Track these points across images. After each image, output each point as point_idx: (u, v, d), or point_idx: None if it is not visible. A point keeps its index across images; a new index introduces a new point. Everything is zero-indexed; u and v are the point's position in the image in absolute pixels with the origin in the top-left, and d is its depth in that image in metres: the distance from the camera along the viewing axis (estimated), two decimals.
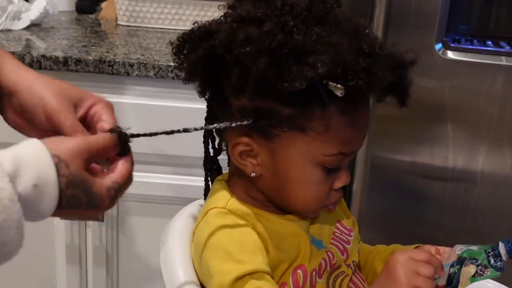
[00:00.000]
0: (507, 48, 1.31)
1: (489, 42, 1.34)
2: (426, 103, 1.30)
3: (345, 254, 0.84)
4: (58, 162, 0.55)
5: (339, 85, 0.66)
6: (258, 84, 0.69)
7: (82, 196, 0.57)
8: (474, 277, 0.74)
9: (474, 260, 0.74)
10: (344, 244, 0.85)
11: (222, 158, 0.86)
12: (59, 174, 0.55)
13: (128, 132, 0.64)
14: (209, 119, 0.81)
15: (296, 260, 0.78)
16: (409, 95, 0.78)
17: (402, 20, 1.25)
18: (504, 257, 0.74)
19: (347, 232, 0.87)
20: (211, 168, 0.87)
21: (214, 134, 0.85)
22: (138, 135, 0.65)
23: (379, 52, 0.70)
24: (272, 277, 0.75)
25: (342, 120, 0.72)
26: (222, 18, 0.74)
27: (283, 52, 0.67)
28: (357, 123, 0.75)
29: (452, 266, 0.75)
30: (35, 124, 0.67)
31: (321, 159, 0.74)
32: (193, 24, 0.76)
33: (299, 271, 0.78)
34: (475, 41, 1.34)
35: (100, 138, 0.61)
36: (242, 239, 0.74)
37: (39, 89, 0.66)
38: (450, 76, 1.28)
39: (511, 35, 1.37)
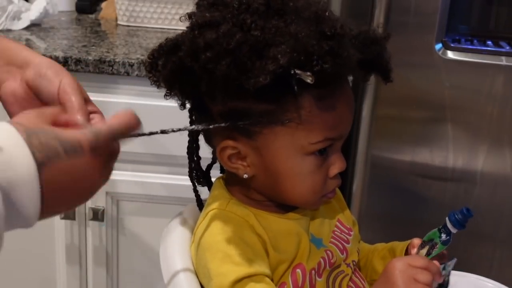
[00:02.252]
0: (507, 48, 1.31)
1: (489, 42, 1.34)
2: (426, 103, 1.31)
3: (344, 253, 0.84)
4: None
5: (308, 73, 0.65)
6: (226, 86, 0.68)
7: (54, 143, 0.53)
8: (427, 256, 0.78)
9: (430, 241, 0.78)
10: (344, 243, 0.85)
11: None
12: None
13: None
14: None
15: (295, 259, 0.78)
16: (391, 69, 0.78)
17: (402, 20, 1.25)
18: (453, 230, 0.77)
19: (347, 231, 0.87)
20: (198, 178, 0.86)
21: (205, 143, 0.84)
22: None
23: (342, 32, 0.68)
24: (272, 279, 0.75)
25: (320, 106, 0.72)
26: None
27: (243, 51, 0.66)
28: (338, 107, 0.74)
29: (444, 269, 0.75)
30: (44, 94, 0.69)
31: (309, 148, 0.74)
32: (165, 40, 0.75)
33: (298, 270, 0.77)
34: (475, 41, 1.34)
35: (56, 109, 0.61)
36: (241, 241, 0.74)
37: (57, 65, 0.71)
38: (450, 76, 1.28)
39: (511, 35, 1.37)
